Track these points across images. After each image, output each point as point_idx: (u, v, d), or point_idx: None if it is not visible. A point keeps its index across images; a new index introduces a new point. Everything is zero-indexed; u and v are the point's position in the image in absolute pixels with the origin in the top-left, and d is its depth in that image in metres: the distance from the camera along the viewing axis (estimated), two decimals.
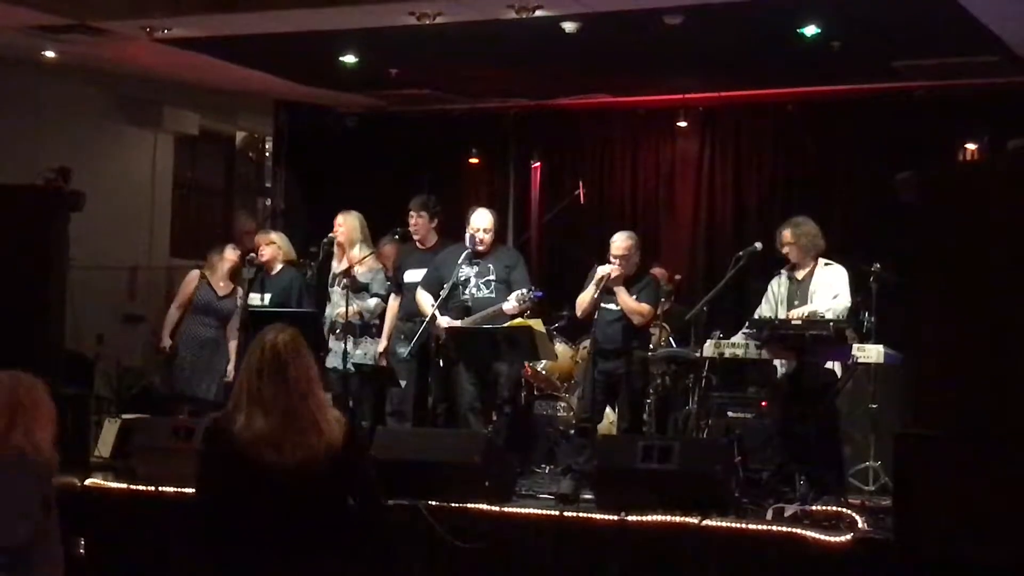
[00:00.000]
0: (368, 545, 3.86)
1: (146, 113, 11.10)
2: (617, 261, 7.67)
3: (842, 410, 7.73)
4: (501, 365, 7.66)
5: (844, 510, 6.44)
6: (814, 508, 6.45)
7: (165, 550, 6.68)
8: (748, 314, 7.57)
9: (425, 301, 7.82)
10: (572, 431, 8.36)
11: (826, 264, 7.44)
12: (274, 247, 8.80)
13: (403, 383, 7.99)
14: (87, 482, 7.21)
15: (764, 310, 7.49)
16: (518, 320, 7.45)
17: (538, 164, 11.33)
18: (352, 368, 8.01)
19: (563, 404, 9.11)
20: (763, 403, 8.47)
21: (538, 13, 8.14)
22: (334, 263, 8.59)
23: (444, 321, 7.58)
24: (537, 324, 7.50)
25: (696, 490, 6.36)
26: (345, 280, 8.14)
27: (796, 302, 7.36)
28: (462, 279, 7.73)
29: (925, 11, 8.12)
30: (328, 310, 8.48)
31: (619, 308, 7.66)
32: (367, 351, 8.34)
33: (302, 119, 12.08)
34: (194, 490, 3.91)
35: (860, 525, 6.19)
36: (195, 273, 9.11)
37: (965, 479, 5.48)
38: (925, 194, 5.94)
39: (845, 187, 10.52)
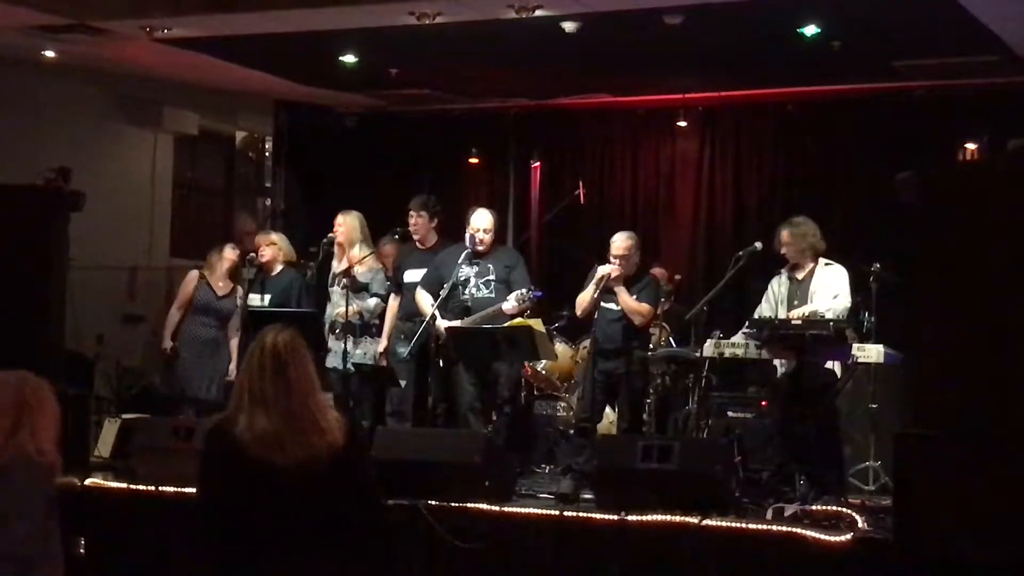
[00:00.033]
0: (368, 545, 3.86)
1: (146, 113, 11.10)
2: (617, 261, 7.67)
3: (842, 410, 7.73)
4: (501, 365, 7.66)
5: (844, 510, 6.44)
6: (814, 508, 6.45)
7: (165, 550, 6.68)
8: (748, 314, 7.57)
9: (425, 301, 7.82)
10: (572, 431, 8.36)
11: (826, 264, 7.44)
12: (274, 248, 8.80)
13: (403, 383, 8.00)
14: (87, 482, 7.20)
15: (764, 310, 7.49)
16: (518, 320, 7.45)
17: (538, 164, 11.33)
18: (352, 368, 8.01)
19: (563, 404, 9.11)
20: (763, 403, 8.47)
21: (538, 13, 8.14)
22: (334, 263, 8.59)
23: (442, 324, 7.58)
24: (537, 324, 7.50)
25: (696, 490, 6.36)
26: (345, 280, 8.14)
27: (796, 302, 7.37)
28: (462, 279, 7.73)
29: (925, 11, 8.12)
30: (328, 310, 8.48)
31: (619, 308, 7.66)
32: (367, 351, 8.34)
33: (302, 119, 12.09)
34: (195, 490, 3.91)
35: (860, 525, 6.18)
36: (194, 274, 9.11)
37: (965, 479, 5.48)
38: (925, 194, 5.94)
39: (845, 187, 10.52)
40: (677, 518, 6.17)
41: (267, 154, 12.69)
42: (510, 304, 7.47)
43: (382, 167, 11.63)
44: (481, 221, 7.80)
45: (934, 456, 5.63)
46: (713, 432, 8.22)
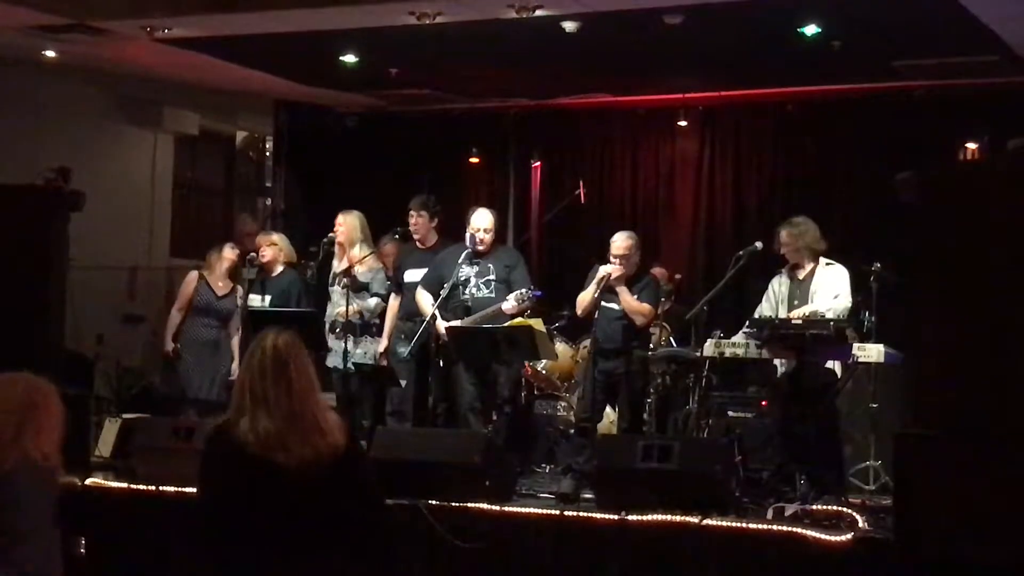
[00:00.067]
0: (369, 545, 3.86)
1: (146, 113, 11.11)
2: (617, 261, 7.67)
3: (842, 410, 7.72)
4: (501, 365, 7.66)
5: (844, 509, 6.44)
6: (814, 508, 6.45)
7: (165, 550, 6.67)
8: (748, 314, 7.56)
9: (425, 301, 7.82)
10: (572, 431, 8.36)
11: (827, 264, 7.44)
12: (275, 248, 8.81)
13: (403, 383, 8.00)
14: (87, 482, 7.20)
15: (764, 310, 7.49)
16: (518, 320, 7.45)
17: (538, 164, 11.33)
18: (352, 368, 8.01)
19: (563, 404, 9.11)
20: (763, 403, 8.47)
21: (538, 13, 8.14)
22: (334, 262, 8.59)
23: (442, 324, 7.58)
24: (537, 324, 7.49)
25: (696, 490, 6.36)
26: (345, 279, 8.14)
27: (796, 302, 7.36)
28: (462, 279, 7.73)
29: (925, 11, 8.12)
30: (328, 310, 8.48)
31: (620, 308, 7.66)
32: (367, 351, 8.34)
33: (302, 119, 12.09)
34: (196, 490, 3.91)
35: (860, 525, 6.18)
36: (194, 274, 9.11)
37: (965, 479, 5.48)
38: (925, 194, 5.94)
39: (845, 187, 10.53)
40: (677, 518, 6.17)
41: (267, 154, 12.69)
42: (510, 304, 7.47)
43: (382, 167, 11.64)
44: (481, 221, 7.80)
45: (934, 456, 5.63)
46: (713, 432, 8.22)
